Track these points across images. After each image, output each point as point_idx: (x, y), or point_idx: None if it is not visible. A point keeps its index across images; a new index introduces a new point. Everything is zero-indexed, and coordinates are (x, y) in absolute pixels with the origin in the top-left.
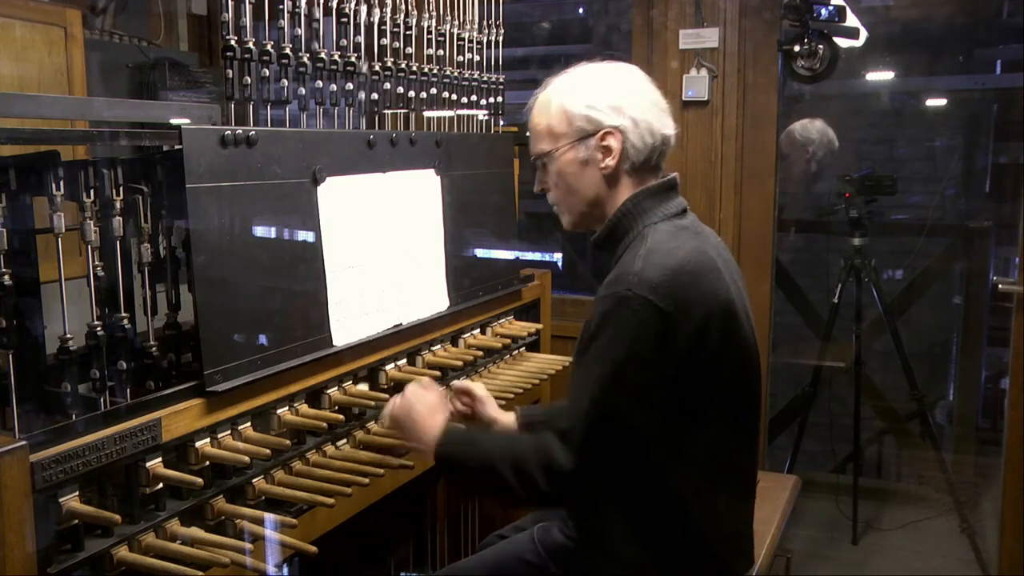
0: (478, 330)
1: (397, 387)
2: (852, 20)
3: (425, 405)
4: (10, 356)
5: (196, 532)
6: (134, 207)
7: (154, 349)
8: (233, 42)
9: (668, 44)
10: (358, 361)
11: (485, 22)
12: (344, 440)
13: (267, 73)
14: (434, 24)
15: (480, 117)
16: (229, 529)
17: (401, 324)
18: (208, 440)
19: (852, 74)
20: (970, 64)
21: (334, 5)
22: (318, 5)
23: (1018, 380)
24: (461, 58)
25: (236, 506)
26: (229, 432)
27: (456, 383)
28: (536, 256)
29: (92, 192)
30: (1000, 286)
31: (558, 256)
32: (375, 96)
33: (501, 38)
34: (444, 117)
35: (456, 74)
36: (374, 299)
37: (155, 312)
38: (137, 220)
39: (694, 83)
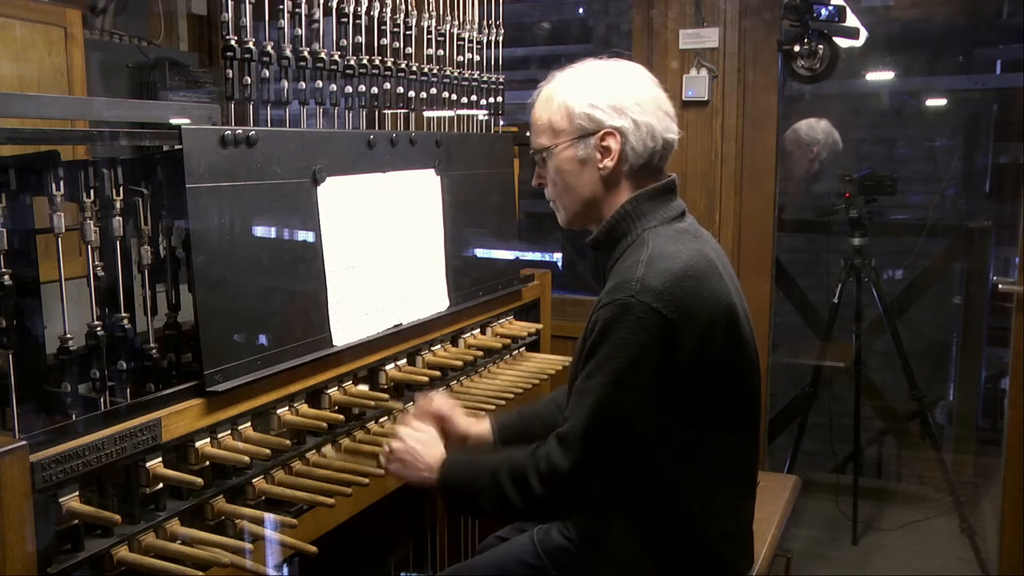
0: (478, 330)
1: (397, 387)
2: (852, 20)
3: (421, 442)
4: (10, 356)
5: (196, 532)
6: (134, 207)
7: (154, 349)
8: (233, 42)
9: (668, 44)
10: (358, 361)
11: (485, 22)
12: (344, 440)
13: (267, 73)
14: (434, 24)
15: (480, 117)
16: (229, 529)
17: (401, 324)
18: (208, 440)
19: (852, 74)
20: (970, 64)
21: (334, 5)
22: (318, 5)
23: (1018, 380)
24: (461, 58)
25: (236, 506)
26: (229, 432)
27: (419, 403)
28: (536, 256)
29: (92, 192)
30: (1000, 286)
31: (558, 256)
32: (375, 90)
33: (501, 38)
34: (444, 117)
35: (456, 74)
36: (374, 299)
37: (155, 312)
38: (137, 220)
39: (694, 83)
